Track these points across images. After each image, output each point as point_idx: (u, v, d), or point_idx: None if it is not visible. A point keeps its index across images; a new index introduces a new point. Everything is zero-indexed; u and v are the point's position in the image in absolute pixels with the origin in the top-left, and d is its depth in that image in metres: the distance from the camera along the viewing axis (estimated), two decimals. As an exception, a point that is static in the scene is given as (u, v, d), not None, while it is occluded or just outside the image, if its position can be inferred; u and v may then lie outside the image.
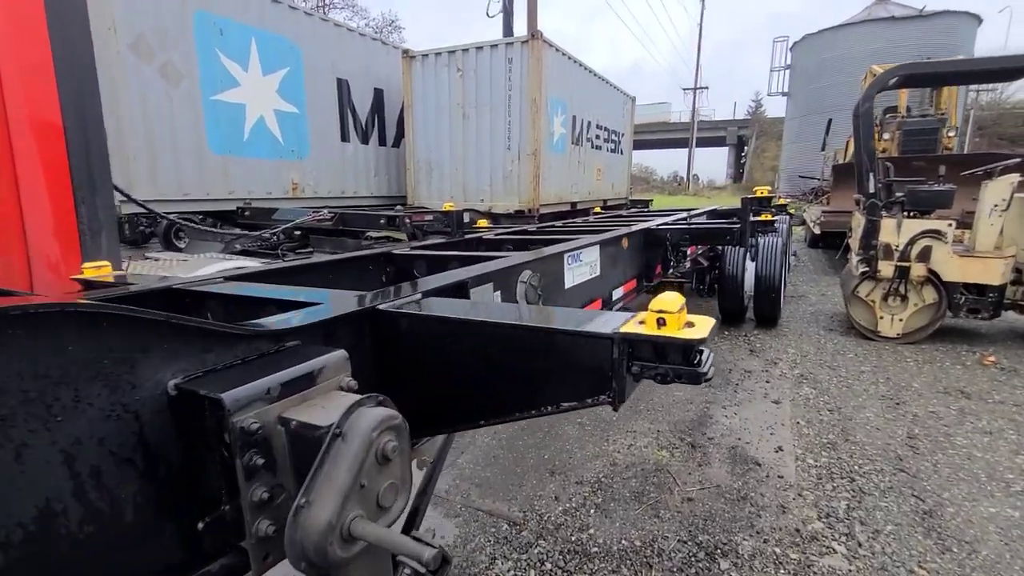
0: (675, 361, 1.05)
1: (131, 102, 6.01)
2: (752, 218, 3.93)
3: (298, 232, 6.41)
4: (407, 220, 5.70)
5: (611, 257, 3.41)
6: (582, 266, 2.94)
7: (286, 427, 0.99)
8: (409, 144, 9.69)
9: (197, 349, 1.07)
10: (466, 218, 7.91)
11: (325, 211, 5.90)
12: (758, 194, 4.20)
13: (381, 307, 1.43)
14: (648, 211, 9.33)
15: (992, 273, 5.42)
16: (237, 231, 5.93)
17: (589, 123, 11.17)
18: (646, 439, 3.70)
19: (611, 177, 13.15)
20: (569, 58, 9.73)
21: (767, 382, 4.70)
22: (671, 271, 4.75)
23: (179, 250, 6.12)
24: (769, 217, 4.08)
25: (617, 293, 3.51)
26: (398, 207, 5.95)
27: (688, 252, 5.63)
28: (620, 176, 14.00)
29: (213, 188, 6.97)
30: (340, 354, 1.17)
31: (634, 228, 3.91)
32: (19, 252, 2.66)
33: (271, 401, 1.02)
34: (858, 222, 6.16)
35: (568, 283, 2.79)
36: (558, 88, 9.32)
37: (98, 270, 2.42)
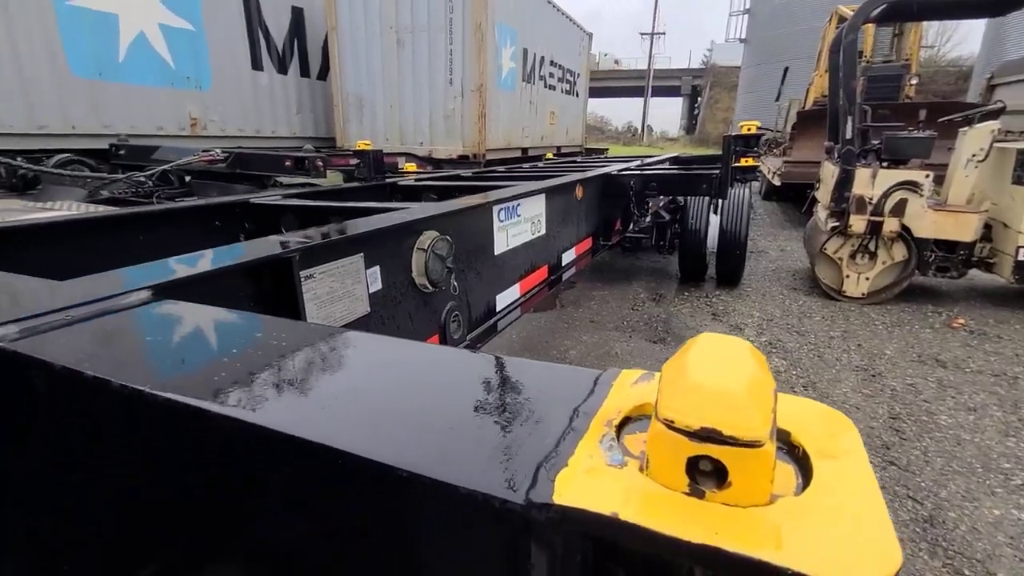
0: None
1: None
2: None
3: (188, 177, 5.27)
4: (319, 163, 4.70)
5: (560, 210, 2.66)
6: (520, 223, 2.17)
7: None
8: (335, 75, 8.39)
9: None
10: (400, 164, 6.91)
11: (217, 150, 4.79)
12: (744, 130, 3.48)
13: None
14: (606, 158, 8.59)
15: (965, 229, 5.06)
16: (104, 175, 4.73)
17: (542, 59, 10.10)
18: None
19: (566, 121, 12.22)
20: (520, -21, 8.54)
21: (733, 352, 4.21)
22: (632, 226, 4.07)
23: (28, 195, 4.89)
24: (752, 162, 3.41)
25: (568, 256, 2.79)
26: (307, 147, 4.92)
27: (649, 205, 4.97)
28: (575, 121, 13.07)
29: (80, 120, 5.64)
30: None
31: (590, 174, 3.16)
32: None
33: None
34: (829, 172, 5.66)
35: (500, 247, 2.03)
36: (507, 13, 8.19)
37: None
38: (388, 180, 3.31)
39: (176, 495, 0.55)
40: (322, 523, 0.44)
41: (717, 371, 0.33)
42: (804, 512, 0.32)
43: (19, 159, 4.97)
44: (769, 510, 0.32)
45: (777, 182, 10.48)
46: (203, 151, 4.85)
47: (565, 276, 2.78)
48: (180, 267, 0.91)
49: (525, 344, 4.58)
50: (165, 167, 4.61)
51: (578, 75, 12.62)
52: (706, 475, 0.32)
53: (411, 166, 4.94)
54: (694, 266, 5.93)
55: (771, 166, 12.03)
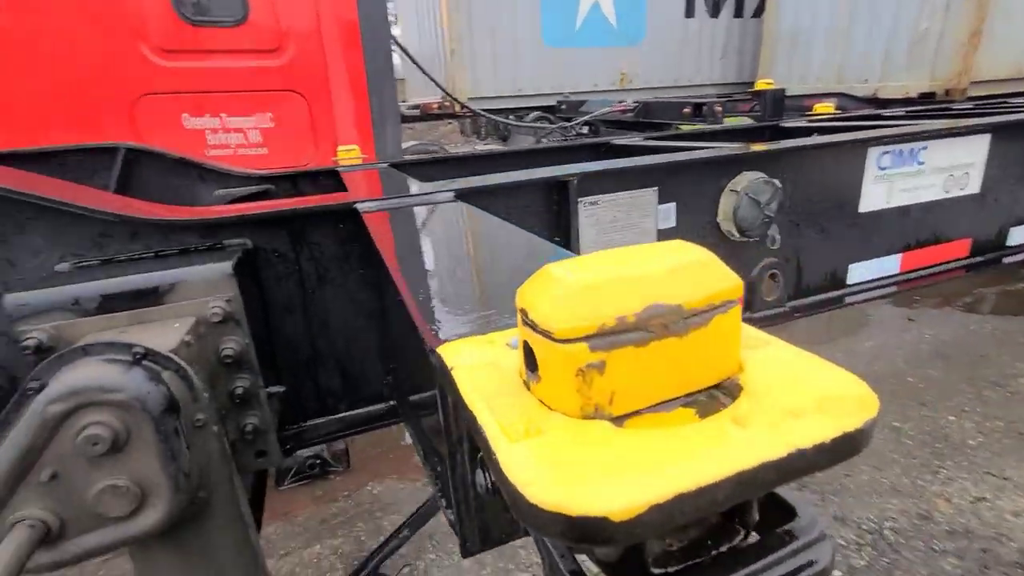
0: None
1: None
2: None
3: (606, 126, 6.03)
4: (718, 108, 4.54)
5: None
6: (921, 173, 1.61)
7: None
8: (771, 9, 7.60)
9: (92, 234, 0.91)
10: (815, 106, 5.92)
11: (628, 101, 5.27)
12: None
13: (360, 206, 0.98)
14: None
15: None
16: (544, 125, 6.01)
17: None
18: None
19: None
20: None
21: None
22: None
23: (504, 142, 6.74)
24: None
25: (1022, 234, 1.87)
26: (711, 92, 4.80)
27: None
28: None
29: (543, 83, 7.21)
30: (210, 271, 0.83)
31: None
32: (331, 140, 3.25)
33: (82, 313, 0.77)
34: None
35: (872, 202, 1.58)
36: None
37: (347, 153, 2.69)
38: (772, 123, 2.94)
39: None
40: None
41: (607, 263, 0.29)
42: (598, 435, 0.26)
43: (510, 117, 6.85)
44: (568, 420, 0.27)
45: None
46: (618, 102, 5.44)
47: (1009, 260, 1.86)
48: (482, 181, 1.16)
49: (937, 349, 3.39)
50: (585, 119, 5.43)
51: None
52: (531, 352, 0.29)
53: (826, 107, 4.12)
54: None
55: None
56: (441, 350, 0.36)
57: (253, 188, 1.81)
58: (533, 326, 0.26)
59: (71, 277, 0.84)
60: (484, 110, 5.92)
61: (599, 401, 0.26)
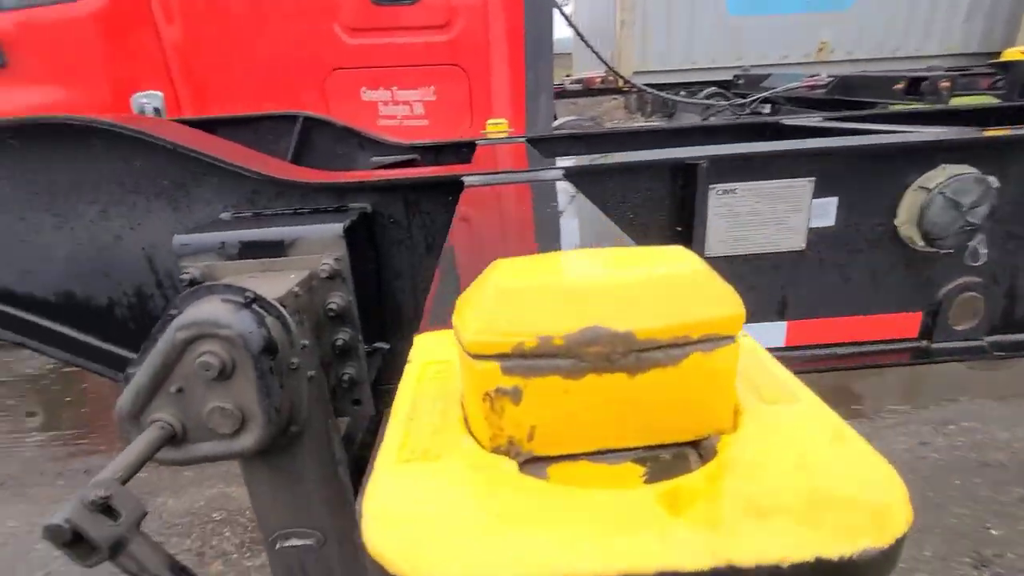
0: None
1: (658, -32, 6.13)
2: None
3: (786, 104, 5.26)
4: (943, 84, 3.67)
5: None
6: None
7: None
8: (1050, -45, 5.84)
9: (246, 191, 1.06)
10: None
11: (823, 75, 4.51)
12: None
13: (466, 179, 0.99)
14: None
15: None
16: (712, 102, 5.45)
17: None
18: None
19: None
20: None
21: None
22: None
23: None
24: None
25: None
26: (935, 65, 3.87)
27: None
28: None
29: (721, 55, 6.55)
30: (325, 231, 0.91)
31: None
32: (486, 113, 3.35)
33: (226, 257, 0.91)
34: None
35: None
36: None
37: (495, 126, 2.77)
38: (1018, 104, 2.30)
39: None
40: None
41: (564, 266, 0.24)
42: (491, 476, 0.21)
43: (681, 93, 6.40)
44: (475, 450, 0.23)
45: None
46: (809, 76, 4.71)
47: None
48: (597, 160, 1.08)
49: None
50: (764, 95, 4.81)
51: None
52: None
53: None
54: None
55: None
56: (417, 339, 0.33)
57: (401, 156, 1.95)
58: (455, 333, 0.22)
59: (230, 225, 0.99)
60: (652, 85, 5.59)
61: (514, 434, 0.21)
